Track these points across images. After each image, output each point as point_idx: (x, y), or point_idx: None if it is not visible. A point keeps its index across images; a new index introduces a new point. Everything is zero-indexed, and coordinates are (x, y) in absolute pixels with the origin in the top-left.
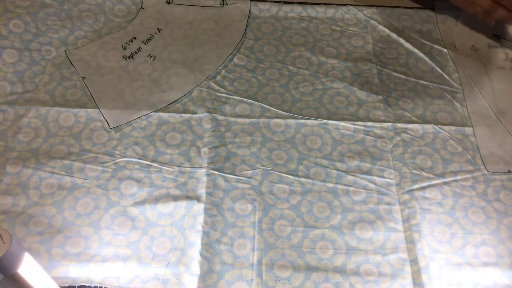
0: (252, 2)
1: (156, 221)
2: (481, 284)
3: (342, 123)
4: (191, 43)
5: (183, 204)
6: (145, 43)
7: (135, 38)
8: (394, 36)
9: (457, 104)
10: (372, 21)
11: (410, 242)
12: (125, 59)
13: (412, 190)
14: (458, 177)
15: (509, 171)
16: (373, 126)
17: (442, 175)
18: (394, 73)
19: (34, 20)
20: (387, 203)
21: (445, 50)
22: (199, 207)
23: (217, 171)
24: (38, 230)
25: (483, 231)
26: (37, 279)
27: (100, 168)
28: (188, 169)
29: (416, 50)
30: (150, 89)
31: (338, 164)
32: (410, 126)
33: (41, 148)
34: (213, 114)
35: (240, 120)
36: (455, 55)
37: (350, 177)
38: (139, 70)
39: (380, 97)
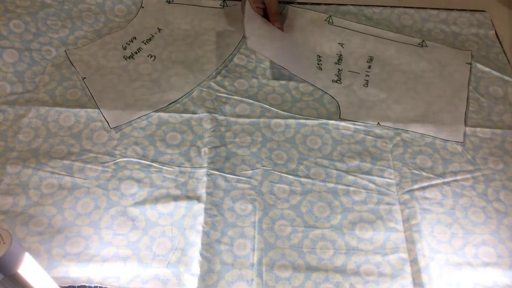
0: None
1: (156, 221)
2: (481, 284)
3: (342, 123)
4: (191, 43)
5: (183, 204)
6: (145, 43)
7: (135, 38)
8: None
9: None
10: (372, 21)
11: (410, 242)
12: (125, 59)
13: (412, 190)
14: (458, 177)
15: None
16: (373, 126)
17: (442, 175)
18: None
19: (34, 20)
20: (387, 203)
21: None
22: (199, 207)
23: (217, 171)
24: (38, 230)
25: (483, 231)
26: (37, 279)
27: (100, 168)
28: (188, 169)
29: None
30: (150, 89)
31: (338, 164)
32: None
33: (41, 148)
34: (213, 114)
35: (240, 120)
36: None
37: (350, 177)
38: (139, 70)
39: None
